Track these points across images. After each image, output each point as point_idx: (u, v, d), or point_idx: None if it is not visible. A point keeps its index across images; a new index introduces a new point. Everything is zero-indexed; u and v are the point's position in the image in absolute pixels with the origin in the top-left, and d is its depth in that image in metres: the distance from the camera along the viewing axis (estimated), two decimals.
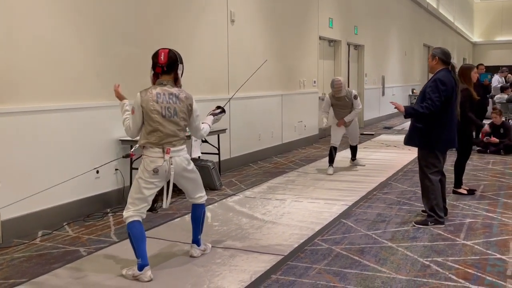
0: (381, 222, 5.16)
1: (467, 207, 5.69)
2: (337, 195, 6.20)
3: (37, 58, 4.92)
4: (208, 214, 5.37)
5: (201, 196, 4.13)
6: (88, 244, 4.54)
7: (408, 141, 5.15)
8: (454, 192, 6.26)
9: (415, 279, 3.71)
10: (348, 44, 13.70)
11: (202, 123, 4.13)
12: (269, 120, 9.38)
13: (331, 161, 7.76)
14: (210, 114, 4.30)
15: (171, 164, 3.76)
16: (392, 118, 17.60)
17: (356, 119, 8.00)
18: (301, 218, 5.25)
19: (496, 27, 35.89)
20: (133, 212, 3.75)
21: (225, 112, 4.40)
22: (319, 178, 7.29)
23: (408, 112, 4.96)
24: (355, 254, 4.23)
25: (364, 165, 8.21)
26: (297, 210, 5.58)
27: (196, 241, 4.19)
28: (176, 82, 3.86)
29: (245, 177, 7.50)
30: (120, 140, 5.84)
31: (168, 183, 3.90)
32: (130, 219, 3.73)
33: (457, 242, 4.51)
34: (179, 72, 3.86)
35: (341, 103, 7.64)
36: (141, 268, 3.67)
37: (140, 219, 3.77)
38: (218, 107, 4.38)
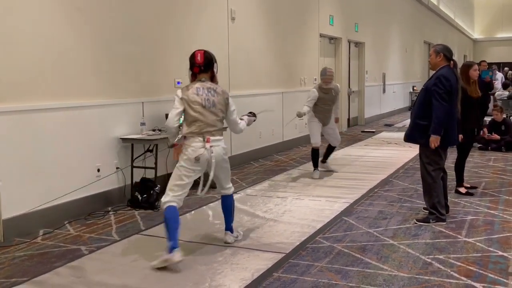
0: (383, 219, 5.15)
1: (469, 204, 5.69)
2: (338, 193, 6.20)
3: (37, 57, 4.91)
4: (209, 212, 5.38)
5: (230, 186, 4.41)
6: (89, 243, 4.54)
7: (409, 138, 5.14)
8: (457, 191, 6.20)
9: (417, 276, 3.71)
10: (349, 42, 13.69)
11: (240, 119, 4.42)
12: (270, 118, 9.35)
13: (316, 164, 7.26)
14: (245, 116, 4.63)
15: (212, 152, 4.04)
16: (392, 116, 17.59)
17: (333, 119, 7.49)
18: (303, 216, 5.24)
19: (497, 23, 35.81)
20: (171, 197, 4.00)
21: (256, 118, 4.70)
22: (320, 176, 7.28)
23: (436, 129, 4.83)
24: (356, 252, 4.22)
25: (336, 171, 7.54)
26: (298, 208, 5.57)
27: (229, 228, 4.45)
28: (212, 79, 4.21)
29: (246, 175, 7.50)
30: (121, 138, 5.84)
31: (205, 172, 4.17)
32: (168, 204, 3.97)
33: (459, 240, 4.51)
34: (215, 70, 4.23)
35: (327, 96, 7.19)
36: (171, 250, 3.81)
37: (177, 205, 4.00)
38: (250, 113, 4.69)
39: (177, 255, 3.79)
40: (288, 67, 10.06)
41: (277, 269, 3.89)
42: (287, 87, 10.06)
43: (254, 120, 4.64)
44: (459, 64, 5.66)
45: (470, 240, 4.50)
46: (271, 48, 9.33)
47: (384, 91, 16.83)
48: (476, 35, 37.16)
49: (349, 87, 13.84)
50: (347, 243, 4.45)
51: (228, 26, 7.95)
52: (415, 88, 20.12)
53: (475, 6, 36.78)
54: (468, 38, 34.93)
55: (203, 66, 4.14)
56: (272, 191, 6.40)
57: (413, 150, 8.72)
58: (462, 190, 6.17)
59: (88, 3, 5.45)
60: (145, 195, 5.64)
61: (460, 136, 5.75)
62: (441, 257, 4.09)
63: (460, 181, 6.25)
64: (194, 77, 4.18)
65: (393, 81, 17.77)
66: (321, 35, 11.72)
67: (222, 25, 7.82)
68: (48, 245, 4.49)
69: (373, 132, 12.87)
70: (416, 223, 4.99)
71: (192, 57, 4.15)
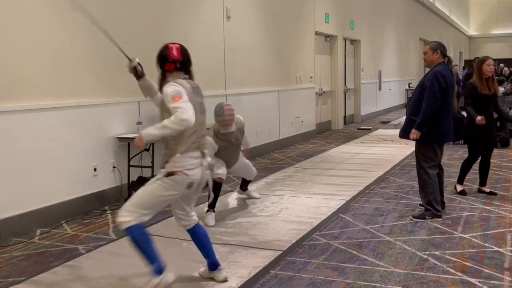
0: (379, 216, 5.17)
1: (465, 201, 5.71)
2: (335, 190, 6.22)
3: (32, 56, 4.90)
4: (204, 209, 5.38)
5: (194, 213, 3.54)
6: (86, 242, 4.55)
7: (404, 134, 5.14)
8: (455, 188, 6.15)
9: (413, 272, 3.73)
10: (345, 39, 13.70)
11: None
12: (266, 116, 9.37)
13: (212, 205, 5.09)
14: None
15: (207, 169, 3.29)
16: (389, 113, 17.62)
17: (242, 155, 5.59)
18: (299, 213, 5.26)
19: (492, 20, 35.89)
20: (135, 218, 3.18)
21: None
22: (317, 174, 7.30)
23: (419, 125, 4.87)
24: (353, 249, 4.24)
25: (258, 197, 5.91)
26: (295, 205, 5.59)
27: (215, 262, 3.57)
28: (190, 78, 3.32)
29: None
30: (117, 137, 5.84)
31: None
32: (131, 224, 3.16)
33: (455, 236, 4.53)
34: (191, 69, 3.32)
35: (229, 143, 5.14)
36: (160, 271, 3.20)
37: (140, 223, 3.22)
38: None
39: (170, 275, 3.21)
40: (284, 65, 10.07)
41: (274, 266, 3.90)
42: (283, 85, 10.07)
43: None
44: (457, 62, 5.61)
45: (465, 236, 4.52)
46: (267, 46, 9.34)
47: (380, 88, 16.85)
48: (472, 31, 37.23)
49: (345, 84, 13.86)
50: (344, 240, 4.46)
51: (223, 25, 7.96)
52: (411, 85, 20.16)
53: (470, 3, 36.85)
54: (463, 34, 34.99)
55: (179, 63, 3.20)
56: (268, 189, 6.41)
57: (409, 147, 8.75)
58: (459, 188, 6.14)
59: (83, 2, 5.43)
60: None
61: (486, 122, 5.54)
62: (437, 253, 4.11)
63: (461, 180, 6.10)
64: (163, 77, 3.22)
65: (389, 79, 17.81)
66: (317, 33, 11.73)
67: (217, 23, 7.83)
68: (45, 245, 4.50)
69: (369, 129, 12.89)
70: (412, 220, 5.01)
71: (166, 50, 3.19)
